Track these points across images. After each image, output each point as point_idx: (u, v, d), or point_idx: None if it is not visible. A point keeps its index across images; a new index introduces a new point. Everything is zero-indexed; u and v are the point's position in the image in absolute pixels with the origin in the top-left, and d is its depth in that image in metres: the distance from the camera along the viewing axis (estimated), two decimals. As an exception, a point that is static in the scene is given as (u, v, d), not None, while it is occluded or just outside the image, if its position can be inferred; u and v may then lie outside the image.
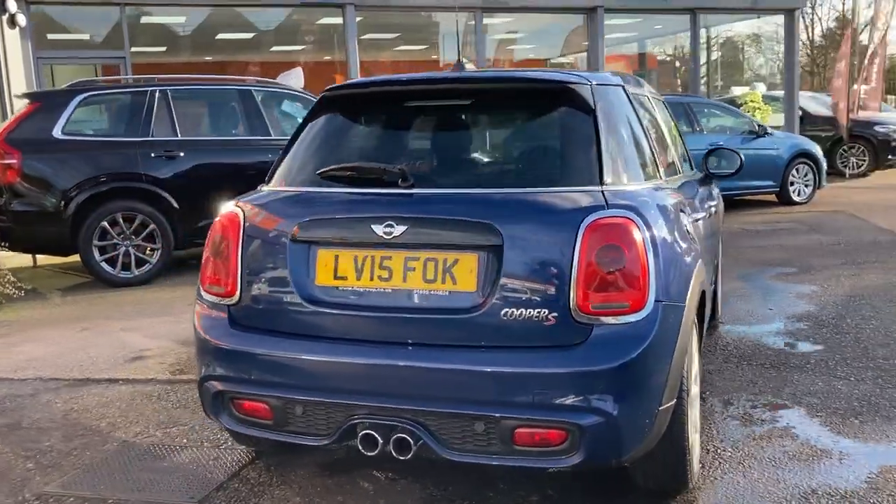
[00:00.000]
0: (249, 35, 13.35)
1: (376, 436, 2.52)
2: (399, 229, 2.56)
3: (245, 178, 7.66)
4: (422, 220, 2.57)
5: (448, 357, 2.49)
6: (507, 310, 2.45)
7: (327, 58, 12.15)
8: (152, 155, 7.30)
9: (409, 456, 2.51)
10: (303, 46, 13.57)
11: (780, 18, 14.94)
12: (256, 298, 2.77)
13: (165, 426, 3.75)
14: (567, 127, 2.77)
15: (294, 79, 9.40)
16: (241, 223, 2.82)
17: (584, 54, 13.40)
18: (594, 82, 2.85)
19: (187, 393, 4.20)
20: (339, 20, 11.47)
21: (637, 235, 2.44)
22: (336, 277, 2.66)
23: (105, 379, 4.52)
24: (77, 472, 3.26)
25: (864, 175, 14.63)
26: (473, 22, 12.10)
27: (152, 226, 7.24)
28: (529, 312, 2.44)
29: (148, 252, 7.23)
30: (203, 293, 2.91)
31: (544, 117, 2.87)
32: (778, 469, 3.03)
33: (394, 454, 2.52)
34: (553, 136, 2.79)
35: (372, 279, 2.61)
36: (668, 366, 2.50)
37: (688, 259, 2.75)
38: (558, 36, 15.34)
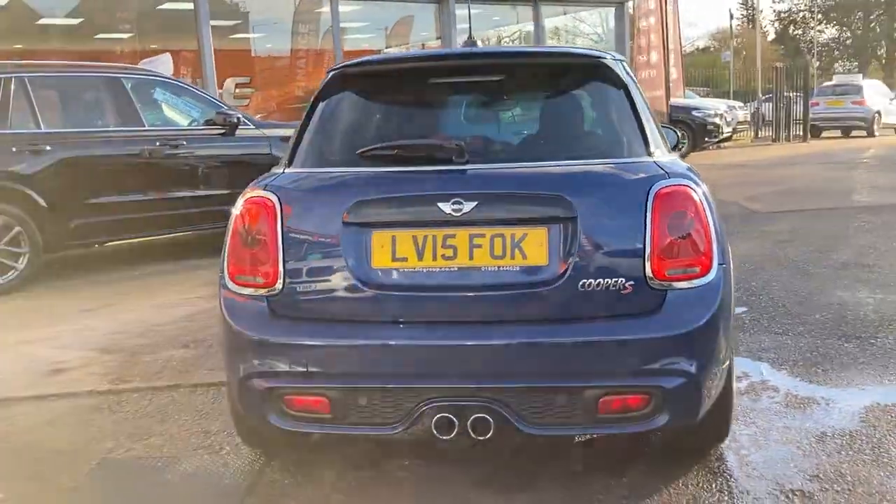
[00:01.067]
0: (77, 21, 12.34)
1: (452, 418, 2.46)
2: (468, 206, 2.50)
3: (120, 172, 7.22)
4: (492, 196, 2.53)
5: (525, 332, 2.48)
6: (583, 280, 2.47)
7: (177, 45, 11.47)
8: (13, 149, 6.59)
9: (489, 435, 2.48)
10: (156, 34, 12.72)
11: (611, 9, 15.88)
12: (303, 287, 2.61)
13: (140, 438, 3.43)
14: (607, 100, 2.83)
15: (162, 65, 8.81)
16: (278, 208, 2.63)
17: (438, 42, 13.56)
18: (619, 58, 2.93)
19: (141, 402, 3.87)
20: (189, 6, 10.86)
21: (699, 202, 2.55)
22: (395, 259, 2.55)
23: (31, 396, 4.05)
24: (70, 496, 2.93)
25: (684, 157, 15.85)
26: (329, 8, 11.88)
27: (17, 228, 6.55)
28: (606, 282, 2.48)
29: (12, 257, 6.52)
30: (231, 284, 2.69)
31: (582, 91, 2.90)
32: (780, 417, 3.27)
33: (472, 435, 2.48)
34: (596, 110, 2.84)
35: (435, 259, 2.54)
36: (729, 324, 2.62)
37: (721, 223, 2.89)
38: (400, 25, 15.40)
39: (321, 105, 2.93)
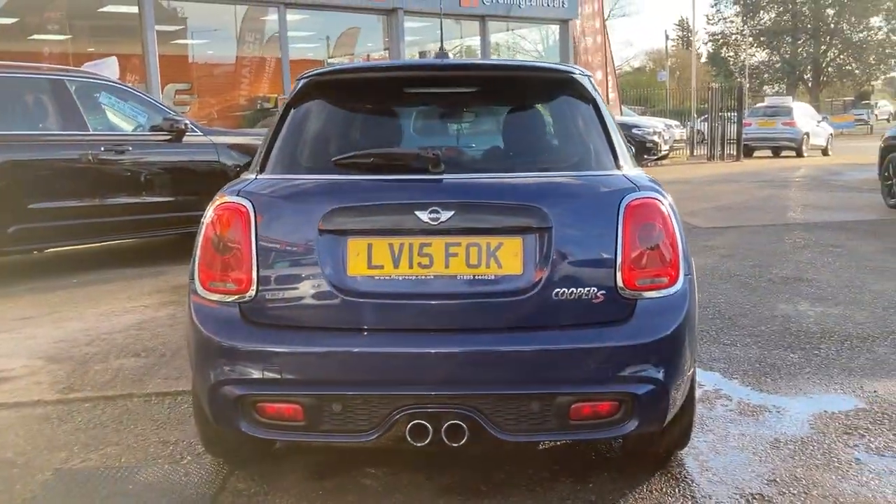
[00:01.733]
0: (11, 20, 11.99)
1: (427, 425, 2.48)
2: (445, 215, 2.53)
3: (63, 177, 7.02)
4: (469, 205, 2.57)
5: (499, 339, 2.52)
6: (556, 289, 2.52)
7: (119, 48, 11.24)
8: (-51, 152, 6.38)
9: (463, 442, 2.50)
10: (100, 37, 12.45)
11: (556, 27, 16.17)
12: (276, 293, 2.60)
13: (95, 448, 3.35)
14: (577, 114, 2.89)
15: (108, 69, 8.61)
16: (251, 214, 2.62)
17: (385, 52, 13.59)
18: (587, 73, 3.01)
19: (94, 411, 3.77)
20: (134, 9, 10.66)
21: (667, 214, 2.63)
22: (370, 266, 2.57)
23: (-27, 406, 3.92)
24: (26, 506, 2.84)
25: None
26: (276, 16, 11.81)
27: (-51, 233, 6.34)
28: (578, 291, 2.53)
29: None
30: (202, 291, 2.66)
31: (553, 104, 2.97)
32: (735, 425, 3.37)
33: (446, 442, 2.50)
34: (567, 123, 2.90)
35: (411, 267, 2.56)
36: (694, 334, 2.71)
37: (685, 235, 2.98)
38: (345, 36, 15.41)
39: (293, 111, 2.93)
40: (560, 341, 2.51)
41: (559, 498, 2.76)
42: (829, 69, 48.10)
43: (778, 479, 2.86)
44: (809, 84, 47.34)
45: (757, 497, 2.74)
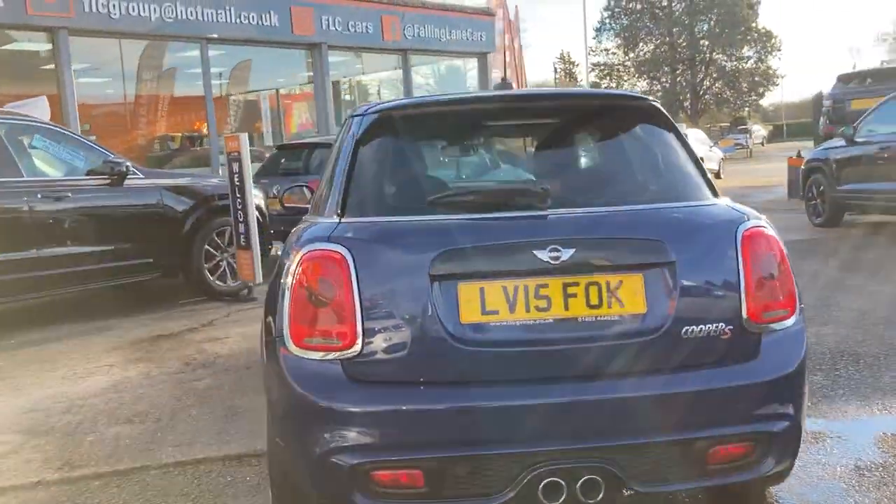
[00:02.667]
0: None
1: (561, 482, 2.30)
2: (566, 253, 2.37)
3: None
4: (590, 242, 2.41)
5: (631, 385, 2.36)
6: (684, 328, 2.40)
7: (30, 90, 10.50)
8: None
9: (599, 497, 2.33)
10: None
11: (474, 61, 16.30)
12: (384, 347, 2.35)
13: (133, 534, 2.98)
14: (664, 142, 2.79)
15: (39, 109, 7.97)
16: (350, 261, 2.38)
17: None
18: (657, 101, 2.93)
19: (108, 489, 3.37)
20: (49, 45, 10.01)
21: (779, 242, 2.55)
22: (485, 313, 2.37)
23: (-41, 495, 3.44)
24: None
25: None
26: (199, 53, 11.36)
27: None
28: (706, 328, 2.41)
29: None
30: (296, 349, 2.39)
31: (638, 132, 2.85)
32: (806, 454, 3.32)
33: (581, 499, 2.32)
34: (658, 152, 2.79)
35: (528, 311, 2.37)
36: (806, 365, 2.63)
37: None
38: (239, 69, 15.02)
39: (364, 149, 2.71)
40: (695, 383, 2.37)
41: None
42: (707, 97, 50.67)
43: (883, 507, 2.81)
44: (689, 111, 49.66)
45: (875, 528, 2.67)
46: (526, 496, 2.31)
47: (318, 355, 2.38)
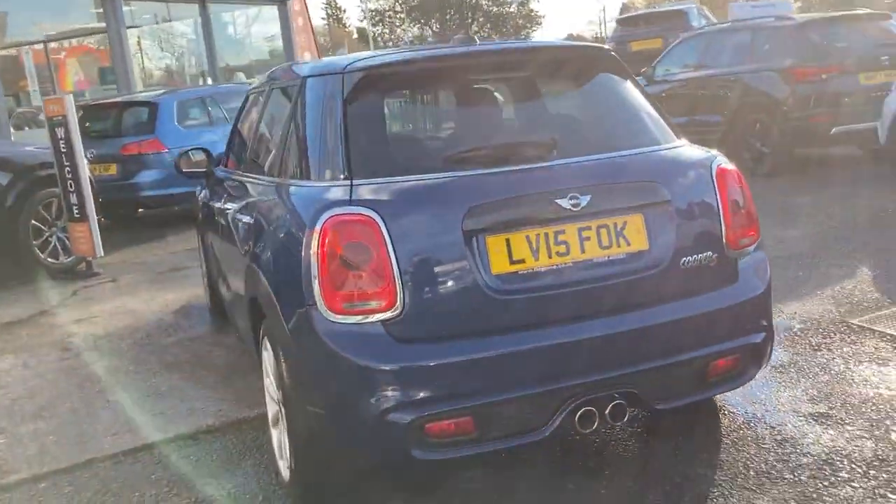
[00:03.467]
0: None
1: (594, 410, 2.50)
2: (584, 199, 2.52)
3: None
4: (604, 188, 2.58)
5: (645, 316, 2.58)
6: (682, 260, 2.65)
7: None
8: None
9: (625, 419, 2.56)
10: None
11: (274, 9, 15.63)
12: (425, 305, 2.40)
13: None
14: (628, 90, 3.00)
15: None
16: (381, 223, 2.39)
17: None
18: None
19: (59, 491, 3.13)
20: None
21: (741, 178, 2.87)
22: (512, 262, 2.48)
23: None
24: None
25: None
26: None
27: None
28: (698, 258, 2.68)
29: None
30: (333, 315, 2.37)
31: (605, 82, 3.02)
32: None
33: (610, 422, 2.54)
34: (628, 99, 2.97)
35: (550, 257, 2.52)
36: None
37: None
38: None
39: (355, 108, 2.67)
40: (696, 307, 2.64)
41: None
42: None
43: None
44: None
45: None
46: (564, 427, 2.49)
47: (358, 319, 2.38)
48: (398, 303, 2.38)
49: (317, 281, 2.39)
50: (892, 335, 3.82)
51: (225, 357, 4.49)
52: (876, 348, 3.70)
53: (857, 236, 5.69)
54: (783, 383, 3.42)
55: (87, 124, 9.69)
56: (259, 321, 2.93)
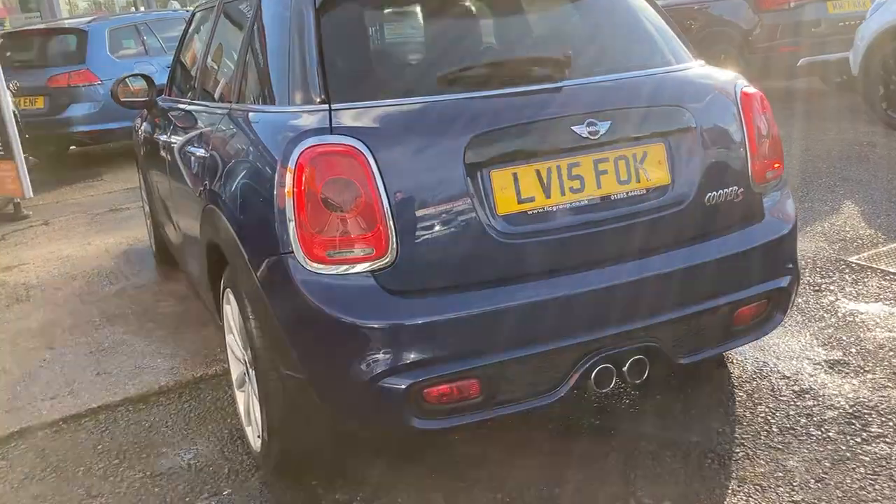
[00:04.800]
0: None
1: (612, 368, 2.20)
2: (603, 126, 2.17)
3: None
4: (623, 113, 2.23)
5: (668, 260, 2.27)
6: (707, 195, 2.34)
7: None
8: None
9: (644, 377, 2.27)
10: None
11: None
12: (420, 252, 2.05)
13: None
14: (644, 5, 2.63)
15: None
16: (368, 155, 2.01)
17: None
18: None
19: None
20: None
21: (767, 103, 2.55)
22: (521, 201, 2.13)
23: None
24: None
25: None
26: None
27: None
28: (723, 193, 2.37)
29: None
30: (313, 265, 2.01)
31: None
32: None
33: (628, 381, 2.24)
34: (640, 16, 2.61)
35: (563, 194, 2.18)
36: None
37: None
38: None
39: (330, 22, 2.25)
40: (720, 249, 2.34)
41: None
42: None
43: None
44: None
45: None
46: (578, 388, 2.18)
47: (342, 269, 2.02)
48: (389, 250, 2.02)
49: (293, 224, 2.01)
50: (894, 274, 3.61)
51: (174, 307, 4.08)
52: (880, 288, 3.48)
53: (836, 170, 5.49)
54: (790, 328, 3.18)
55: (9, 54, 8.91)
56: (219, 269, 2.54)
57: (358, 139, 2.02)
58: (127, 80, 3.91)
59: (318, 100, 2.16)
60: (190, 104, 3.23)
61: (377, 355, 2.00)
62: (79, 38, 8.62)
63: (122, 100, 3.81)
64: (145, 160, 4.29)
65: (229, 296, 2.49)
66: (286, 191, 2.02)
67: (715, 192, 2.35)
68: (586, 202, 2.20)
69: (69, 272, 4.87)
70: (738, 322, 2.40)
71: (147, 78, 3.92)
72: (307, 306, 2.02)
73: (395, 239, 2.01)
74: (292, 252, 2.02)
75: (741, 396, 2.71)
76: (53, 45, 8.87)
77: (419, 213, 2.04)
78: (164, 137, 3.54)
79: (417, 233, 2.04)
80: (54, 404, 3.12)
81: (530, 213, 2.14)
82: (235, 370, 2.63)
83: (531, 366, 2.13)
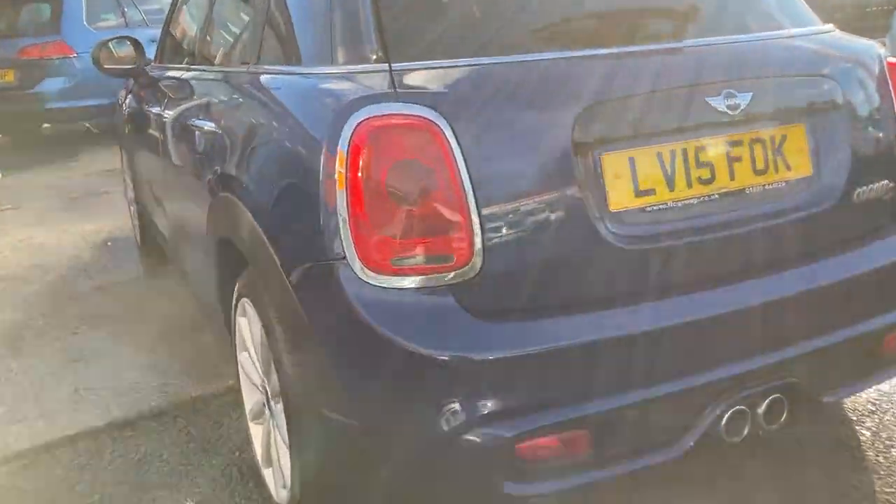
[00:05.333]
0: None
1: (747, 411, 1.71)
2: (744, 99, 1.68)
3: None
4: (766, 84, 1.74)
5: (816, 272, 1.78)
6: (858, 190, 1.86)
7: None
8: None
9: (781, 421, 1.78)
10: None
11: None
12: (513, 260, 1.54)
13: None
14: None
15: None
16: (448, 129, 1.50)
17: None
18: None
19: None
20: None
21: (913, 74, 2.07)
22: (638, 194, 1.64)
23: None
24: None
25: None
26: None
27: None
28: (873, 188, 1.89)
29: None
30: (371, 275, 1.49)
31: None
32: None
33: (764, 427, 1.75)
34: None
35: (690, 186, 1.68)
36: None
37: None
38: None
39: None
40: (876, 259, 1.86)
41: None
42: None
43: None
44: None
45: None
46: (708, 435, 1.69)
47: (410, 281, 1.50)
48: (473, 257, 1.51)
49: (346, 223, 1.50)
50: None
51: (164, 308, 3.55)
52: None
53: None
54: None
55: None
56: (234, 272, 2.02)
57: (433, 109, 1.50)
58: (110, 43, 3.36)
59: (375, 57, 1.64)
60: (191, 70, 2.70)
61: (458, 398, 1.49)
62: (53, 6, 8.01)
63: (105, 66, 3.26)
64: (131, 138, 3.75)
65: (246, 306, 1.97)
66: (336, 177, 1.50)
67: (865, 188, 1.87)
68: (717, 197, 1.71)
69: (43, 263, 4.31)
70: (886, 350, 1.92)
71: (134, 41, 3.37)
72: (362, 329, 1.50)
73: (481, 244, 1.51)
74: (344, 258, 1.51)
75: (865, 435, 2.23)
76: (25, 13, 8.26)
77: (512, 208, 1.53)
78: (156, 110, 3.00)
79: (510, 235, 1.53)
80: (22, 430, 2.59)
81: (648, 209, 1.64)
82: (250, 399, 2.12)
83: (654, 411, 1.63)
